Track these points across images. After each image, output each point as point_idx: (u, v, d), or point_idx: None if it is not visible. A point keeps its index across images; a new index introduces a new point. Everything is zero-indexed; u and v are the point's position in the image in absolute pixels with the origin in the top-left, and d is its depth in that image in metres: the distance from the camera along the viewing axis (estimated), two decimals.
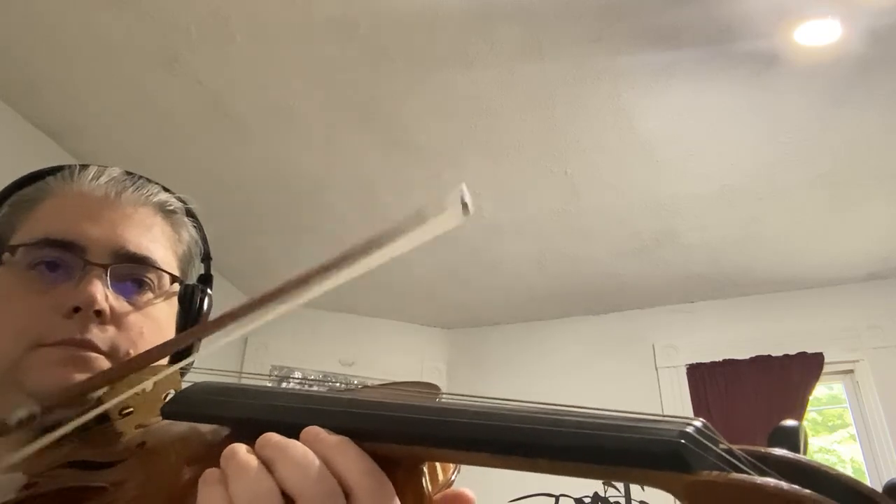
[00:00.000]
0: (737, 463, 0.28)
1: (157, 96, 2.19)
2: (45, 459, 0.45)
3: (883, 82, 2.07)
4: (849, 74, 2.04)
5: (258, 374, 3.12)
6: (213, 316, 0.67)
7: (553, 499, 2.56)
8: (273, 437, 0.35)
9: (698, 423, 0.29)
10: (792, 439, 0.30)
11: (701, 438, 0.29)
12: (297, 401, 0.40)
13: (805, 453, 0.30)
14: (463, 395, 0.37)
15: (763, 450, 0.29)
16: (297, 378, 3.55)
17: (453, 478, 0.38)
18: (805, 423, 3.01)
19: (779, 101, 2.17)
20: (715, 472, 0.27)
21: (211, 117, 2.28)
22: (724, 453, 0.29)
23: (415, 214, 0.43)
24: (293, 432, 0.35)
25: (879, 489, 0.27)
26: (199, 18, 1.90)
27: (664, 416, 0.30)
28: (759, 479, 0.26)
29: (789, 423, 0.31)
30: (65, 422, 0.43)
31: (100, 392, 0.45)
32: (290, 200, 2.74)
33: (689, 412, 3.18)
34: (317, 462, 0.33)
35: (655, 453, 0.28)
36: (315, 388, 0.47)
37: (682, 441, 0.28)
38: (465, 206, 0.50)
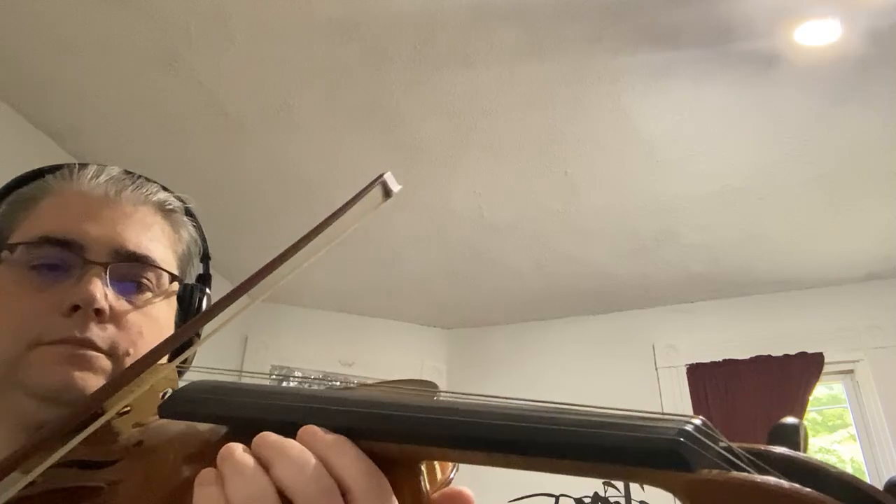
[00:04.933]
0: (736, 461, 0.28)
1: (157, 96, 2.19)
2: (41, 459, 0.45)
3: (883, 82, 2.07)
4: (849, 74, 2.04)
5: (258, 373, 3.12)
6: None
7: (553, 499, 2.56)
8: (270, 436, 0.35)
9: (698, 420, 0.29)
10: (792, 437, 0.30)
11: (700, 436, 0.28)
12: (295, 399, 0.40)
13: (805, 451, 0.30)
14: (461, 394, 0.37)
15: (763, 448, 0.29)
16: (298, 378, 3.55)
17: (452, 476, 0.38)
18: (806, 422, 3.00)
19: (779, 102, 2.17)
20: (715, 471, 0.27)
21: (211, 117, 2.28)
22: (723, 451, 0.28)
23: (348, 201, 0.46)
24: (291, 431, 0.35)
25: (880, 489, 0.27)
26: (199, 18, 1.90)
27: (664, 414, 0.30)
28: (760, 478, 0.26)
29: (789, 420, 0.31)
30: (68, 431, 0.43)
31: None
32: (290, 200, 2.74)
33: (689, 412, 3.18)
34: (314, 461, 0.33)
35: (654, 451, 0.28)
36: (313, 387, 0.47)
37: (681, 439, 0.28)
38: (387, 193, 0.52)
